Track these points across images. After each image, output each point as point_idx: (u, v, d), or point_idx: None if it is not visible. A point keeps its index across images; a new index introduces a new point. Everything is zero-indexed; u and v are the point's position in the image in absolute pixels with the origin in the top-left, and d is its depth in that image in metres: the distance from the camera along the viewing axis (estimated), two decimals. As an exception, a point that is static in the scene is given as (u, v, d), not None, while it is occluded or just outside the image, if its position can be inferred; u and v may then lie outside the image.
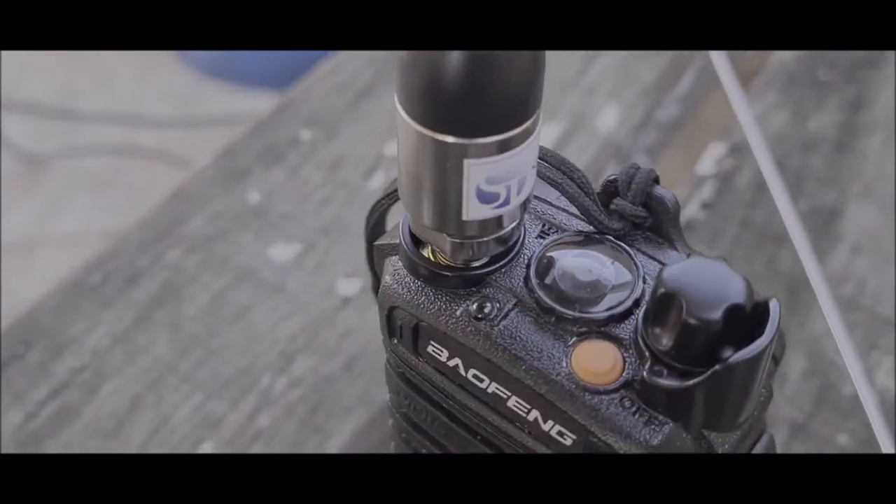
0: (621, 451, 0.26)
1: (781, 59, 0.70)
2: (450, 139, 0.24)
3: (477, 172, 0.25)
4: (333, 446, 0.49)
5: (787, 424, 0.51)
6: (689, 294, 0.25)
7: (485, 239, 0.27)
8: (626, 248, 0.29)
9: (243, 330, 0.54)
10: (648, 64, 0.70)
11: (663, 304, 0.26)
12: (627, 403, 0.26)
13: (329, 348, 0.53)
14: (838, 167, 0.63)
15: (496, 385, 0.28)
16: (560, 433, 0.27)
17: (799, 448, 0.50)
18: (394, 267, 0.30)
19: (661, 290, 0.25)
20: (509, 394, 0.28)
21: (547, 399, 0.27)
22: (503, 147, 0.25)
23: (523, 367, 0.27)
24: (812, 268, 0.57)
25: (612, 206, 0.30)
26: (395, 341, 0.31)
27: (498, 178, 0.25)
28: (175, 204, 0.60)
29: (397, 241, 0.30)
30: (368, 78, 0.68)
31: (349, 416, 0.50)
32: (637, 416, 0.26)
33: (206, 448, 0.49)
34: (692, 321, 0.25)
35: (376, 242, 0.32)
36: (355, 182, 0.62)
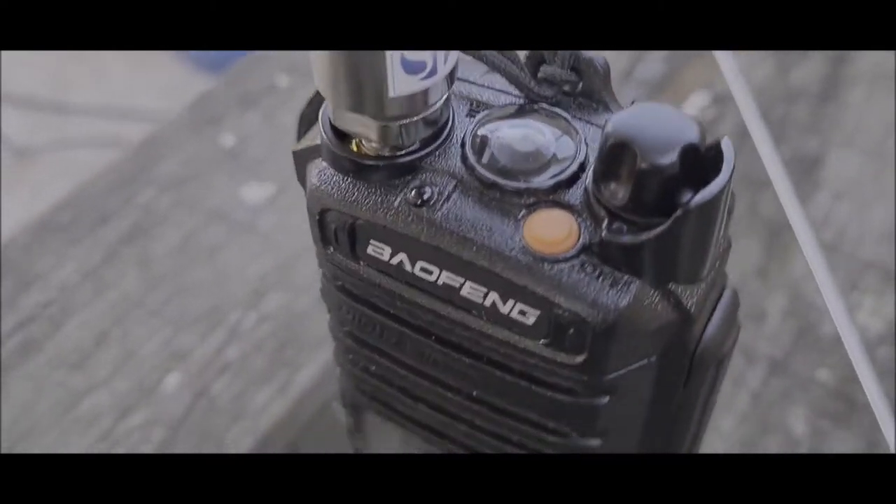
0: (590, 319, 0.25)
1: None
2: None
3: None
4: (303, 378, 0.48)
5: (767, 361, 0.50)
6: (641, 140, 0.24)
7: (414, 119, 0.26)
8: (562, 113, 0.28)
9: (214, 268, 0.53)
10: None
11: (615, 156, 0.24)
12: (589, 268, 0.25)
13: (301, 286, 0.52)
14: (821, 117, 0.63)
15: (447, 274, 0.26)
16: (521, 312, 0.26)
17: (778, 384, 0.49)
18: (318, 168, 0.28)
19: (611, 140, 0.24)
20: (462, 280, 0.26)
21: (503, 277, 0.25)
22: None
23: (474, 247, 0.25)
24: (793, 210, 0.56)
25: (539, 75, 0.28)
26: (331, 250, 0.28)
27: None
28: (147, 148, 0.60)
29: (318, 143, 0.28)
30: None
31: (320, 350, 0.50)
32: (601, 279, 0.25)
33: (172, 380, 0.48)
34: (647, 167, 0.23)
35: (294, 149, 0.30)
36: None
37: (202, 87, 0.64)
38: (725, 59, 0.64)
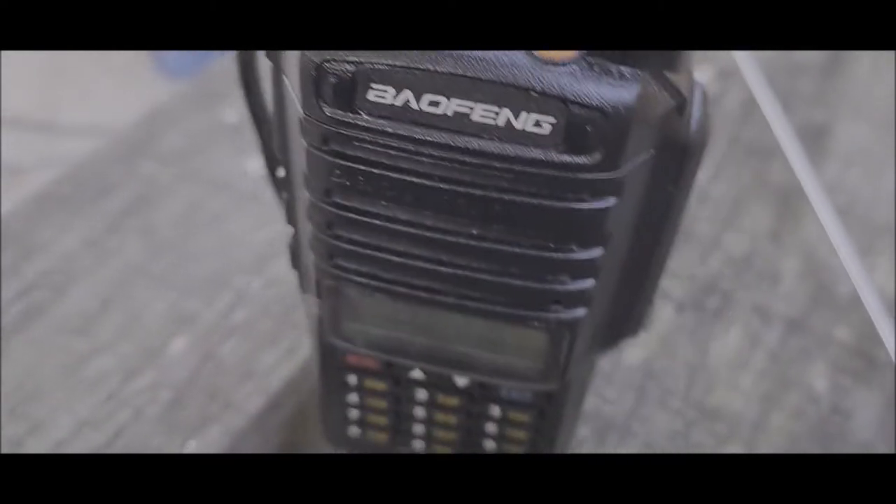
0: (608, 111, 0.25)
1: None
2: None
3: None
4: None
5: (784, 321, 0.49)
6: None
7: None
8: None
9: (219, 236, 0.52)
10: None
11: None
12: (596, 67, 0.25)
13: (308, 252, 0.51)
14: (827, 90, 0.62)
15: (456, 101, 0.26)
16: (537, 123, 0.25)
17: (796, 343, 0.48)
18: None
19: None
20: (473, 104, 0.26)
21: (516, 87, 0.25)
22: None
23: (483, 67, 0.25)
24: (805, 175, 0.55)
25: None
26: (325, 108, 0.27)
27: None
28: (150, 122, 0.59)
29: None
30: None
31: (328, 313, 0.48)
32: (608, 75, 0.25)
33: (178, 343, 0.47)
34: None
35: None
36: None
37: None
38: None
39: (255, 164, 0.56)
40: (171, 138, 0.57)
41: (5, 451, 0.42)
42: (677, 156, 0.27)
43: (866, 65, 0.64)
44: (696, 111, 0.27)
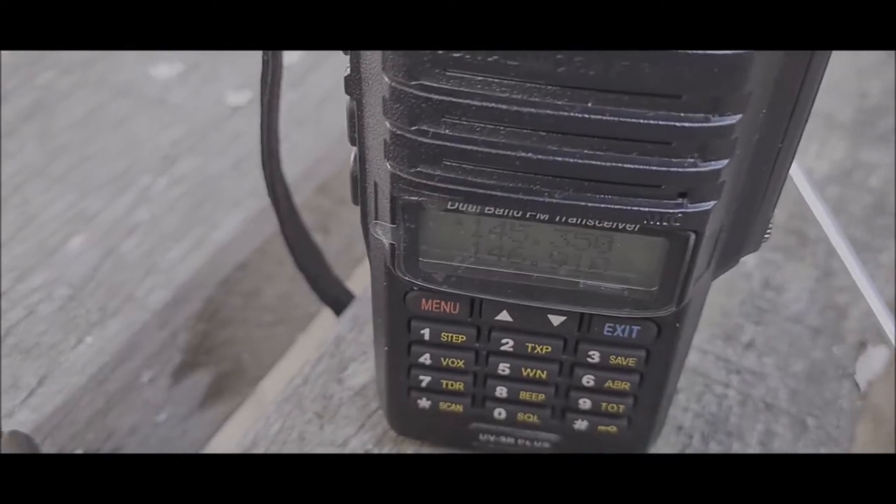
0: None
1: None
2: None
3: None
4: (221, 235, 0.45)
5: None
6: None
7: None
8: None
9: (122, 137, 0.49)
10: None
11: None
12: None
13: (216, 150, 0.49)
14: None
15: None
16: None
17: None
18: None
19: None
20: None
21: None
22: None
23: None
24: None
25: None
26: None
27: None
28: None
29: None
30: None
31: (238, 208, 0.46)
32: None
33: (77, 241, 0.44)
34: None
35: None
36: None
37: None
38: None
39: (160, 70, 0.53)
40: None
41: None
42: (789, 109, 0.24)
43: None
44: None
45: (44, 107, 0.51)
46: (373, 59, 0.24)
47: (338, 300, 0.43)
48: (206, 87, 0.52)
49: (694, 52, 0.21)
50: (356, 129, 0.26)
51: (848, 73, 0.57)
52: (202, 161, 0.48)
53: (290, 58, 0.55)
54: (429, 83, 0.23)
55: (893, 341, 0.40)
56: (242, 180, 0.47)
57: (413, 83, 0.23)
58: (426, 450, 0.36)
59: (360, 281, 0.44)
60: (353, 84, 0.25)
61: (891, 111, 0.54)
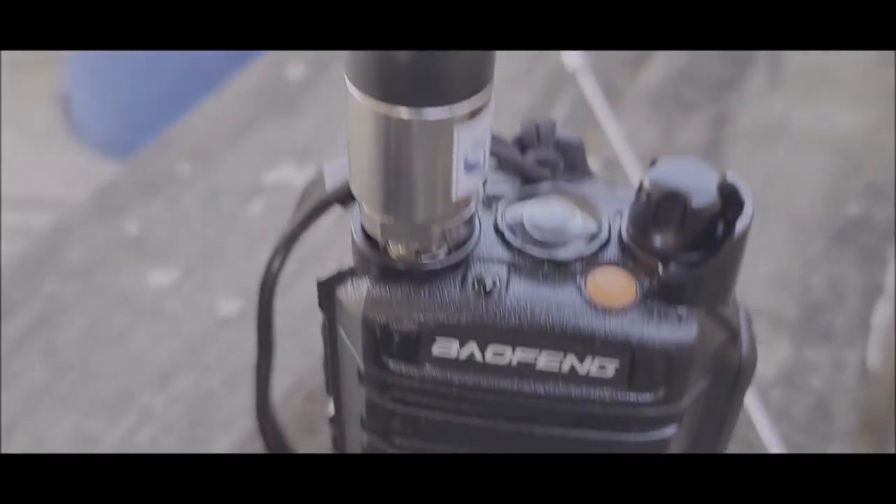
0: (673, 354, 0.27)
1: (647, 81, 0.73)
2: (443, 115, 0.25)
3: (465, 140, 0.26)
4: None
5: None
6: (687, 187, 0.27)
7: (466, 216, 0.28)
8: (567, 187, 0.30)
9: (121, 352, 0.53)
10: (522, 91, 0.72)
11: (663, 205, 0.27)
12: (655, 310, 0.27)
13: (209, 365, 0.53)
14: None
15: (521, 351, 0.28)
16: (601, 367, 0.28)
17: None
18: (361, 287, 0.29)
19: (657, 193, 0.27)
20: (537, 352, 0.28)
21: (580, 336, 0.27)
22: (478, 110, 0.25)
23: (548, 320, 0.27)
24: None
25: (533, 158, 0.31)
26: (389, 362, 0.29)
27: (479, 142, 0.26)
28: (51, 237, 0.60)
29: (347, 266, 0.29)
30: (248, 114, 0.69)
31: (231, 428, 0.50)
32: (668, 317, 0.27)
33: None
34: (698, 209, 0.27)
35: (319, 279, 0.30)
36: (234, 210, 0.62)
37: (106, 173, 0.65)
38: (611, 125, 0.67)
39: (156, 277, 0.57)
40: (74, 254, 0.59)
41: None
42: (731, 378, 0.29)
43: (742, 150, 0.67)
44: (744, 336, 0.29)
45: (48, 320, 0.55)
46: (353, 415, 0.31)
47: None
48: (200, 295, 0.57)
49: (624, 437, 0.29)
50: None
51: (794, 265, 0.61)
52: (196, 378, 0.52)
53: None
54: (400, 441, 0.30)
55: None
56: (235, 397, 0.51)
57: (388, 442, 0.31)
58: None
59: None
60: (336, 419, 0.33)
61: (833, 307, 0.58)
